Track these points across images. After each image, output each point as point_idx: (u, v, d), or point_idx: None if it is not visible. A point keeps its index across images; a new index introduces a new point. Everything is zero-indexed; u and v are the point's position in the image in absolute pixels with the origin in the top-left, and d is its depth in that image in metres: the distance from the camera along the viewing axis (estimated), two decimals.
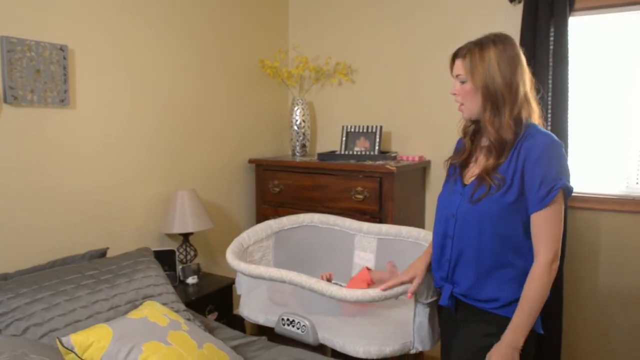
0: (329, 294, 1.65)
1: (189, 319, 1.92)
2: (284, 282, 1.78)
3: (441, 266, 1.58)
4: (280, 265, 2.14)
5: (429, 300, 1.68)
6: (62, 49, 2.03)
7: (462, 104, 1.52)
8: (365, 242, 2.22)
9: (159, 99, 2.49)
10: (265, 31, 3.16)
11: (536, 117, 1.50)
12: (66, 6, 2.06)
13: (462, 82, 1.49)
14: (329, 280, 2.08)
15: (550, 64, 2.38)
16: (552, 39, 2.38)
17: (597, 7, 2.38)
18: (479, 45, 1.46)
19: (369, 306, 1.84)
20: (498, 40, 1.46)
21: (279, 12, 3.27)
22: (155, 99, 2.47)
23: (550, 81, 2.39)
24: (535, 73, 2.39)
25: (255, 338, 2.02)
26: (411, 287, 1.62)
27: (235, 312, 2.50)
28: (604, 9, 2.38)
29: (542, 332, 1.48)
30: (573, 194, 2.53)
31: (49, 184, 2.05)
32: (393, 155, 2.78)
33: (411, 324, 1.70)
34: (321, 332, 1.79)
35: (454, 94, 1.53)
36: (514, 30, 2.48)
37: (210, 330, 1.99)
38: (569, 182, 1.43)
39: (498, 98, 1.43)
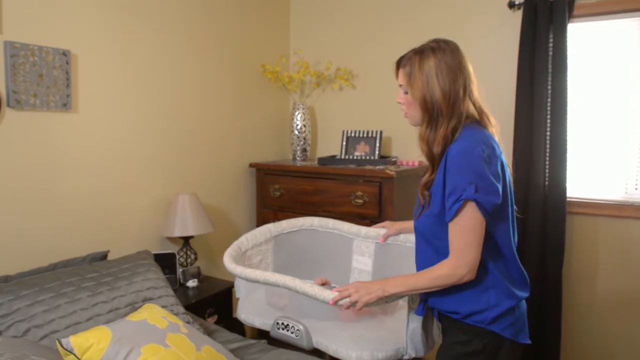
0: (321, 299, 1.65)
1: (188, 322, 1.93)
2: (278, 286, 1.78)
3: None
4: (279, 269, 2.13)
5: None
6: (65, 53, 2.05)
7: (406, 113, 1.48)
8: (364, 246, 2.22)
9: (161, 104, 2.52)
10: (267, 36, 3.18)
11: (488, 124, 1.43)
12: (69, 11, 2.08)
13: (405, 92, 1.46)
14: (324, 285, 2.08)
15: (550, 69, 2.40)
16: (551, 44, 2.39)
17: (595, 13, 2.40)
18: (419, 54, 1.42)
19: (364, 311, 1.84)
20: (438, 48, 1.39)
21: (280, 17, 3.30)
22: (157, 103, 2.50)
23: (549, 87, 2.40)
24: (534, 79, 2.42)
25: (253, 341, 2.03)
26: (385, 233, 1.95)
27: (234, 315, 2.51)
28: (603, 15, 2.40)
29: (529, 341, 1.45)
30: (572, 199, 2.53)
31: (51, 187, 2.07)
32: (393, 160, 2.79)
33: (404, 330, 1.71)
34: (315, 337, 1.79)
35: (399, 103, 1.49)
36: (513, 36, 2.51)
37: (210, 333, 2.00)
38: (483, 192, 1.29)
39: (435, 112, 1.38)
